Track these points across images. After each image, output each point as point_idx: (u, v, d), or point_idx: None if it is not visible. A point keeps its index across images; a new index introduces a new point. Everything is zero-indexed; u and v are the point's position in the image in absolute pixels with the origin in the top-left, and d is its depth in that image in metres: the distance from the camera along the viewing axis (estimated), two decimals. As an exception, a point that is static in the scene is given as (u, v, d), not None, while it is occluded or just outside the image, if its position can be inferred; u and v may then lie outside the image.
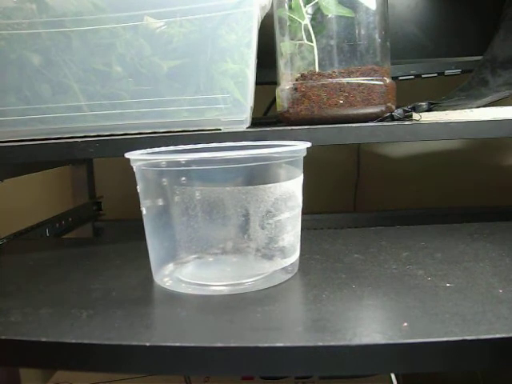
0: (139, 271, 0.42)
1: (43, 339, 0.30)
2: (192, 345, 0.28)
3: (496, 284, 0.35)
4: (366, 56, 0.52)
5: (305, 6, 0.52)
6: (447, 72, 0.79)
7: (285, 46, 0.55)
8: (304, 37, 0.52)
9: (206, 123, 0.50)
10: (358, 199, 1.01)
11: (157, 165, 0.36)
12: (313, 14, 0.52)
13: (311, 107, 0.52)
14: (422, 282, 0.36)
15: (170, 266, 0.38)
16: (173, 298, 0.36)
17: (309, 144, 0.38)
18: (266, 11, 0.55)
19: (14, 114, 0.50)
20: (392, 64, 0.56)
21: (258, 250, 0.36)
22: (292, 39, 0.54)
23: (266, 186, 0.35)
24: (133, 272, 0.42)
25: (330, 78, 0.51)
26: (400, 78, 0.79)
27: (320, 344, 0.28)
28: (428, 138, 0.46)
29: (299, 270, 0.40)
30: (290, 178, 0.37)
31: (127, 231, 0.97)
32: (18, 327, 0.32)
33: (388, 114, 0.52)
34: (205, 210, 0.35)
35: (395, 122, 0.49)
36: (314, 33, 0.52)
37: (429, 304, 0.32)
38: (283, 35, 0.55)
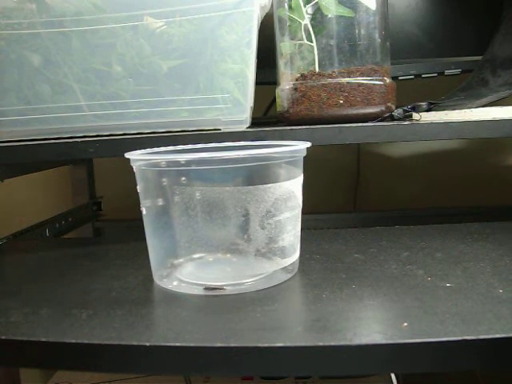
0: (139, 271, 0.42)
1: (43, 339, 0.30)
2: (192, 345, 0.28)
3: (496, 284, 0.35)
4: (365, 56, 0.52)
5: (305, 6, 0.52)
6: (447, 72, 0.79)
7: (285, 46, 0.55)
8: (304, 37, 0.52)
9: (205, 123, 0.50)
10: (358, 199, 1.01)
11: (157, 165, 0.36)
12: (313, 14, 0.52)
13: (311, 107, 0.52)
14: (422, 282, 0.36)
15: (170, 266, 0.38)
16: (173, 297, 0.36)
17: (309, 144, 0.38)
18: (266, 11, 0.55)
19: (13, 113, 0.50)
20: (392, 64, 0.56)
21: (257, 250, 0.36)
22: (292, 39, 0.54)
23: (265, 186, 0.35)
24: (133, 272, 0.42)
25: (330, 77, 0.51)
26: (400, 77, 0.79)
27: (320, 344, 0.28)
28: (428, 138, 0.46)
29: (299, 269, 0.40)
30: (289, 178, 0.37)
31: (127, 231, 0.97)
32: (17, 327, 0.32)
33: (388, 114, 0.52)
34: (205, 210, 0.35)
35: (395, 122, 0.49)
36: (314, 33, 0.52)
37: (429, 304, 0.32)
38: (283, 35, 0.55)
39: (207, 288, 0.36)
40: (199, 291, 0.36)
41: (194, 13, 0.48)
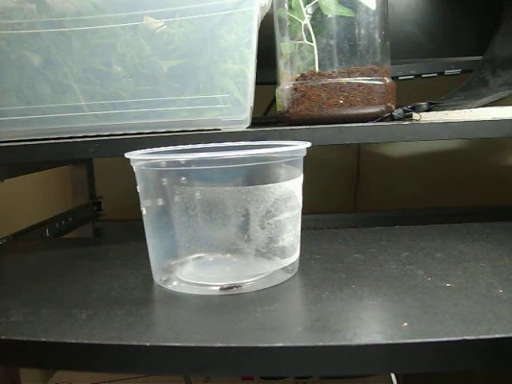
0: (139, 271, 0.42)
1: (43, 339, 0.30)
2: (192, 345, 0.28)
3: (496, 284, 0.35)
4: (365, 56, 0.52)
5: (305, 6, 0.52)
6: (447, 72, 0.79)
7: (285, 46, 0.55)
8: (304, 37, 0.52)
9: (205, 123, 0.50)
10: (358, 199, 1.01)
11: (157, 165, 0.36)
12: (313, 14, 0.52)
13: (311, 107, 0.52)
14: (422, 282, 0.36)
15: (170, 266, 0.38)
16: (173, 297, 0.36)
17: (309, 144, 0.38)
18: (266, 11, 0.55)
19: (13, 113, 0.50)
20: (392, 64, 0.56)
21: (257, 250, 0.36)
22: (292, 39, 0.54)
23: (265, 186, 0.35)
24: (133, 272, 0.42)
25: (330, 77, 0.51)
26: (400, 77, 0.79)
27: (320, 344, 0.28)
28: (428, 138, 0.46)
29: (299, 269, 0.40)
30: (289, 178, 0.37)
31: (127, 231, 0.97)
32: (17, 327, 0.32)
33: (388, 114, 0.52)
34: (205, 210, 0.35)
35: (395, 122, 0.49)
36: (314, 33, 0.52)
37: (429, 304, 0.32)
38: (283, 35, 0.55)
39: (223, 288, 0.36)
40: (199, 291, 0.36)
41: (194, 13, 0.48)
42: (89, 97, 0.50)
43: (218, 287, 0.36)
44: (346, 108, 0.51)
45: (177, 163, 0.35)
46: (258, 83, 0.52)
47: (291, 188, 0.37)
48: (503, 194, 0.93)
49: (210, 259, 0.38)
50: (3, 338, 0.30)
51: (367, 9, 0.52)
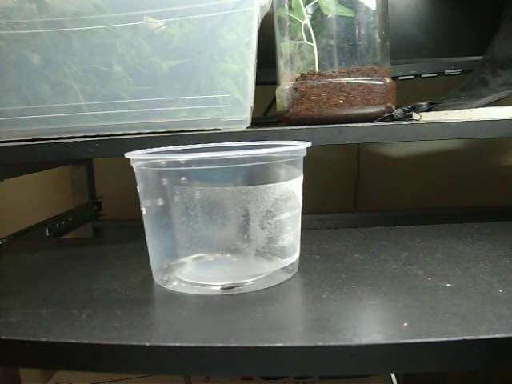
0: (139, 271, 0.42)
1: (43, 339, 0.30)
2: (192, 345, 0.28)
3: (496, 284, 0.35)
4: (366, 56, 0.52)
5: (305, 6, 0.52)
6: (447, 72, 0.79)
7: (285, 46, 0.55)
8: (304, 37, 0.52)
9: (205, 123, 0.50)
10: (358, 199, 1.01)
11: (157, 165, 0.36)
12: (313, 14, 0.52)
13: (311, 107, 0.52)
14: (422, 282, 0.36)
15: (170, 266, 0.38)
16: (173, 297, 0.36)
17: (309, 144, 0.38)
18: (266, 11, 0.55)
19: (13, 113, 0.50)
20: (392, 64, 0.56)
21: (257, 250, 0.36)
22: (292, 39, 0.54)
23: (265, 186, 0.35)
24: (133, 272, 0.42)
25: (330, 77, 0.51)
26: (400, 77, 0.79)
27: (320, 344, 0.28)
28: (428, 138, 0.46)
29: (299, 269, 0.40)
30: (289, 178, 0.37)
31: (127, 231, 0.97)
32: (17, 327, 0.32)
33: (388, 114, 0.52)
34: (205, 210, 0.35)
35: (395, 122, 0.49)
36: (314, 33, 0.52)
37: (429, 304, 0.32)
38: (283, 35, 0.55)
39: (224, 288, 0.36)
40: (199, 291, 0.36)
41: (194, 13, 0.48)
42: (89, 97, 0.50)
43: (219, 287, 0.36)
44: (346, 108, 0.51)
45: (177, 163, 0.35)
46: (258, 83, 0.52)
47: (291, 188, 0.37)
48: (503, 193, 0.93)
49: (210, 259, 0.38)
50: (3, 337, 0.30)
51: (367, 9, 0.52)
